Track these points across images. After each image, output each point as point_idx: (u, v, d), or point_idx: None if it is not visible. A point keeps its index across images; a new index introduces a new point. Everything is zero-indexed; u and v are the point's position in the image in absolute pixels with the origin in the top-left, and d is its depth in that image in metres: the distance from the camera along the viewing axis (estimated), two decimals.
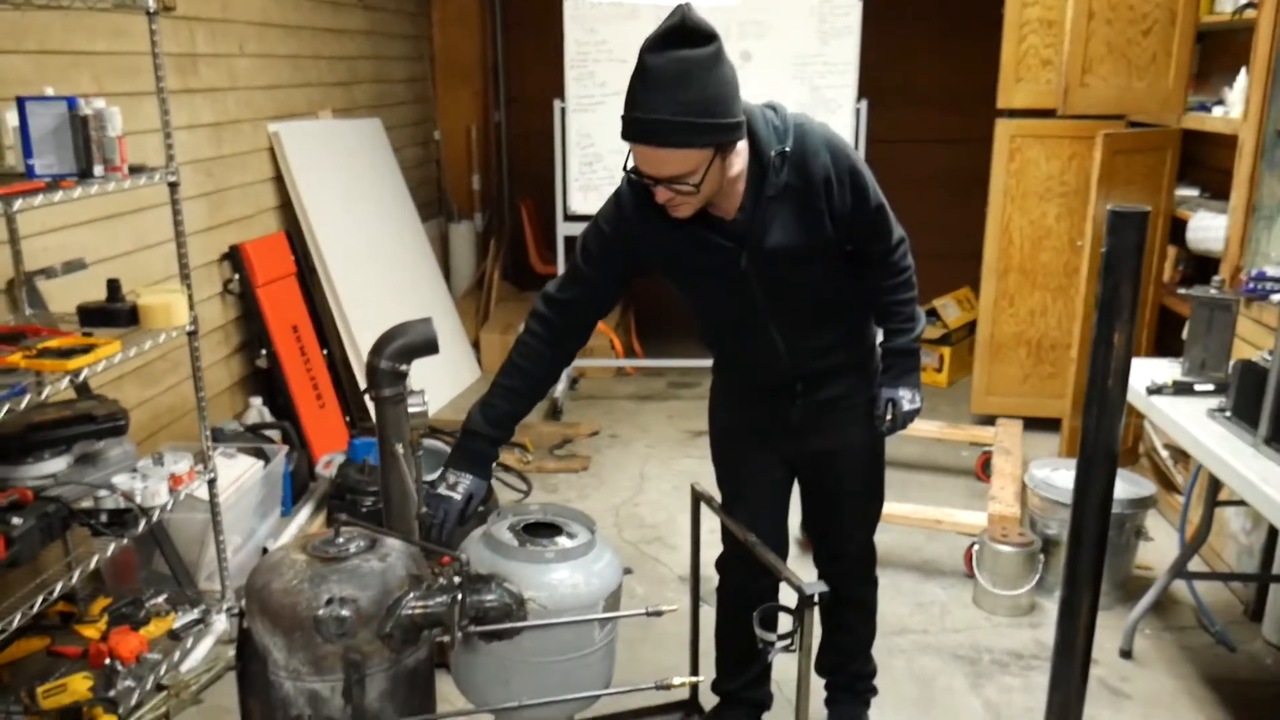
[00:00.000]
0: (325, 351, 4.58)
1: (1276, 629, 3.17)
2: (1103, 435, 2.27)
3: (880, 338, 2.35)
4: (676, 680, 1.93)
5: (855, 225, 2.11)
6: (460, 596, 1.82)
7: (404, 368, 2.08)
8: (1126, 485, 3.37)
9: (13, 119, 2.52)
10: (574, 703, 1.98)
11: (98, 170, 2.51)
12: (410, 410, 1.99)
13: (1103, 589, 3.23)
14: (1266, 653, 3.12)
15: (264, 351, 4.22)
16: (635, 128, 1.88)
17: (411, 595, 1.81)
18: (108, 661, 2.64)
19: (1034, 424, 4.63)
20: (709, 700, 2.69)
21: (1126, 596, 3.35)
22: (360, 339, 4.60)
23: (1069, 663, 2.41)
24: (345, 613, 1.73)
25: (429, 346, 2.11)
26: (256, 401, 4.15)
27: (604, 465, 4.57)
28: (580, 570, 1.93)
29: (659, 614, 1.95)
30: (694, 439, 4.84)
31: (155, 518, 2.72)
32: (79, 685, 2.50)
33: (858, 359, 2.35)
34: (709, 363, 2.49)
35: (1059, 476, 3.44)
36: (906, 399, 2.30)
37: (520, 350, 2.15)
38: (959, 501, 4.01)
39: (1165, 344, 4.30)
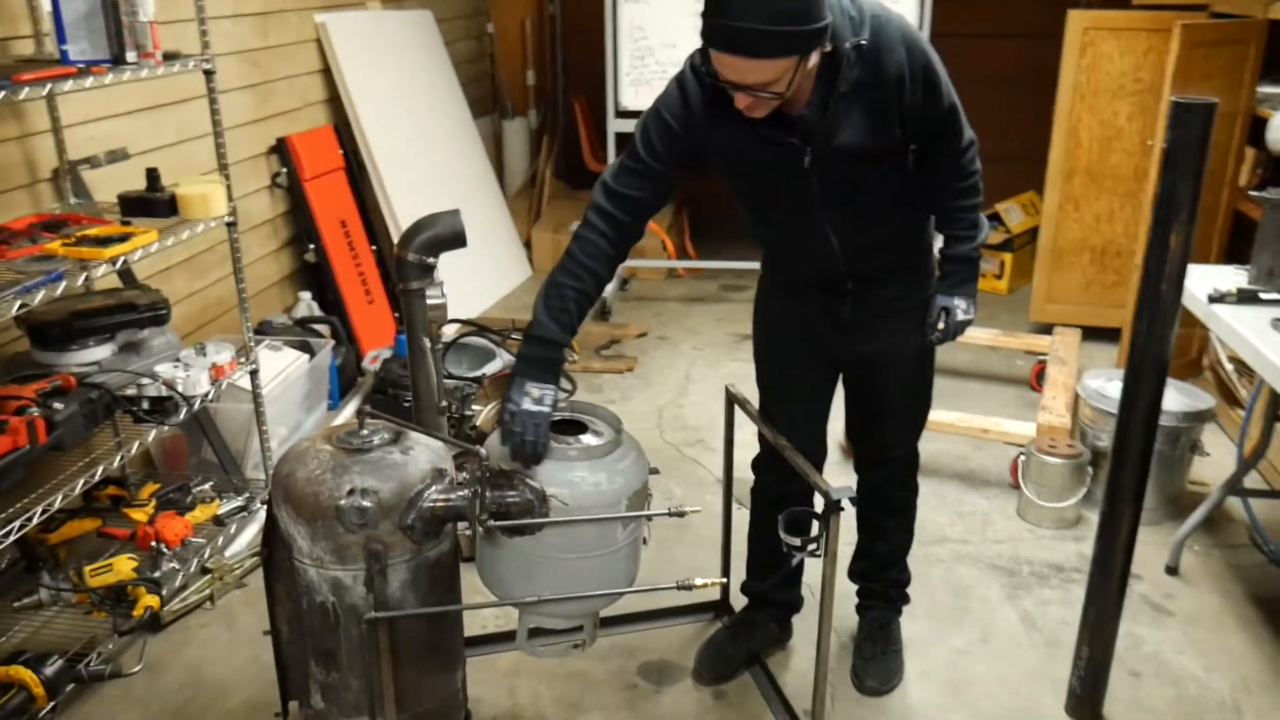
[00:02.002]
0: (374, 248, 4.59)
1: None
2: (1153, 343, 2.17)
3: (940, 243, 2.26)
4: (698, 581, 1.91)
5: (925, 125, 2.01)
6: (481, 491, 1.81)
7: (431, 260, 2.04)
8: (1183, 398, 3.25)
9: (46, 3, 2.49)
10: (595, 599, 1.98)
11: (130, 56, 2.48)
12: (428, 303, 1.96)
13: (1154, 504, 3.17)
14: None
15: (311, 246, 4.23)
16: (723, 36, 1.77)
17: (433, 488, 1.81)
18: (153, 544, 2.71)
19: (1094, 334, 4.50)
20: (740, 601, 2.69)
21: (1178, 513, 3.25)
22: None
23: (1106, 576, 2.36)
24: (366, 503, 1.74)
25: (457, 239, 2.08)
26: (305, 296, 4.18)
27: (650, 367, 4.54)
28: (603, 469, 1.91)
29: (681, 514, 1.92)
30: (742, 342, 4.79)
31: (196, 406, 2.76)
32: (124, 565, 2.58)
33: (912, 259, 2.28)
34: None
35: (1112, 387, 3.33)
36: (961, 308, 2.23)
37: (584, 248, 2.04)
38: (1010, 411, 3.92)
39: (1240, 252, 4.09)
